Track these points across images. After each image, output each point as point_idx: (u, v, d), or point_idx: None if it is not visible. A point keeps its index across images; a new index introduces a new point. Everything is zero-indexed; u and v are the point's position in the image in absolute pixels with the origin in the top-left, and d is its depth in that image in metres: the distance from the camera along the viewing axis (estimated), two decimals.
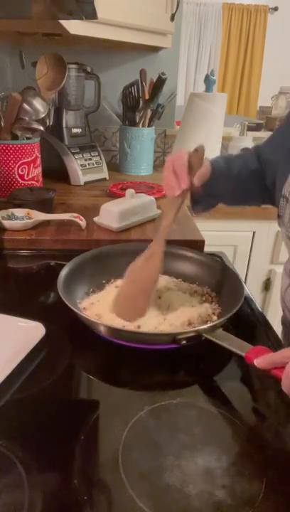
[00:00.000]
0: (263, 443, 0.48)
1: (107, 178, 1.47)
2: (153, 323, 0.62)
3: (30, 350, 0.57)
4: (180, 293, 0.71)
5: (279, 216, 0.73)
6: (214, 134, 1.58)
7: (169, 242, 0.71)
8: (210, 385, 0.56)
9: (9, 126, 1.14)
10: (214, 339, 0.55)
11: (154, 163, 1.67)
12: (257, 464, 0.44)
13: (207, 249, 0.94)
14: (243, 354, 0.51)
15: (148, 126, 1.53)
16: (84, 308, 0.67)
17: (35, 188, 1.15)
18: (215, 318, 0.65)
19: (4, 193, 1.17)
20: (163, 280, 0.74)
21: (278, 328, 0.74)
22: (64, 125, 1.40)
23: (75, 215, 0.98)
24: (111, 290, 0.71)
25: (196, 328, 0.57)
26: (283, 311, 0.81)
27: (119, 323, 0.62)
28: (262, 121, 2.00)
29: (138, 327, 0.61)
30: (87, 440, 0.46)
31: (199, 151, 0.67)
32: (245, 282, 1.19)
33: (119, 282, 0.73)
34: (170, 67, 1.62)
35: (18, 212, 0.99)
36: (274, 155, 0.74)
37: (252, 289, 1.38)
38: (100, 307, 0.66)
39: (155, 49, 1.58)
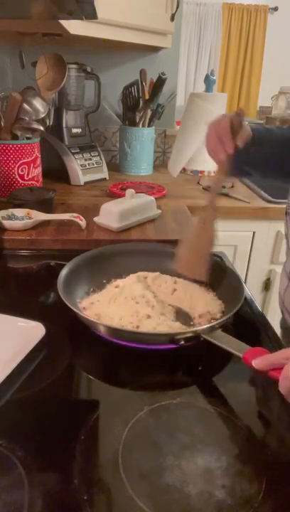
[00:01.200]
0: (263, 443, 0.48)
1: (107, 178, 1.47)
2: (154, 322, 0.62)
3: (30, 350, 0.57)
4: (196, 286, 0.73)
5: (288, 213, 0.72)
6: None
7: (169, 242, 0.71)
8: (210, 385, 0.56)
9: (9, 126, 1.14)
10: (212, 340, 0.55)
11: (154, 163, 1.67)
12: (257, 464, 0.44)
13: None
14: (240, 355, 0.50)
15: (148, 126, 1.53)
16: (84, 308, 0.67)
17: (35, 188, 1.15)
18: (219, 315, 0.65)
19: (4, 193, 1.17)
20: (167, 280, 0.74)
21: (278, 329, 0.74)
22: (64, 125, 1.40)
23: (75, 215, 0.98)
24: (112, 289, 0.71)
25: (195, 329, 0.57)
26: (282, 313, 0.81)
27: (118, 323, 0.62)
28: (262, 121, 2.00)
29: (137, 327, 0.61)
30: (87, 440, 0.46)
31: (240, 114, 0.68)
32: (245, 282, 1.19)
33: (118, 282, 0.73)
34: (170, 67, 1.62)
35: (18, 212, 0.99)
36: None
37: (252, 289, 1.38)
38: (100, 307, 0.66)
39: (155, 49, 1.58)
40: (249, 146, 0.70)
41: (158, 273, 0.75)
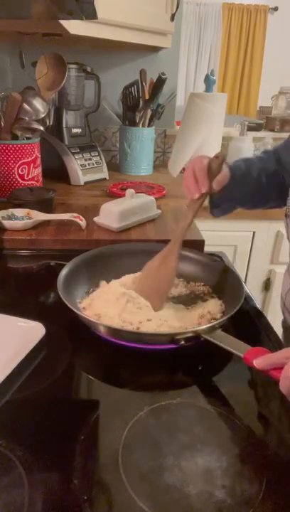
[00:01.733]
0: (263, 443, 0.48)
1: (107, 178, 1.47)
2: (155, 324, 0.62)
3: (30, 350, 0.57)
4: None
5: (287, 216, 0.73)
6: (214, 134, 1.58)
7: (169, 242, 0.71)
8: (210, 385, 0.56)
9: (9, 126, 1.14)
10: (212, 340, 0.55)
11: (154, 163, 1.67)
12: (257, 464, 0.44)
13: (207, 249, 0.94)
14: (241, 355, 0.51)
15: (148, 126, 1.53)
16: (83, 308, 0.67)
17: (35, 188, 1.15)
18: (219, 315, 0.65)
19: (4, 193, 1.17)
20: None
21: (278, 329, 0.74)
22: (64, 125, 1.40)
23: (75, 215, 0.98)
24: (111, 288, 0.71)
25: (195, 329, 0.57)
26: (284, 314, 0.81)
27: (118, 323, 0.62)
28: (262, 121, 1.99)
29: (138, 328, 0.61)
30: (87, 440, 0.46)
31: (219, 158, 0.70)
32: (245, 282, 1.19)
33: (118, 281, 0.73)
34: (170, 67, 1.62)
35: (18, 212, 0.99)
36: (287, 157, 0.75)
37: (252, 289, 1.38)
38: (98, 306, 0.66)
39: (155, 49, 1.58)
40: (228, 184, 0.72)
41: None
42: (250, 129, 1.77)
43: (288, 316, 0.78)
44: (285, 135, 1.06)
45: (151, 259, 0.70)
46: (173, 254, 0.68)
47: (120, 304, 0.65)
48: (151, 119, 1.52)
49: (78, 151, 1.41)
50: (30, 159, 1.17)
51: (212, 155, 0.71)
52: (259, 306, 0.75)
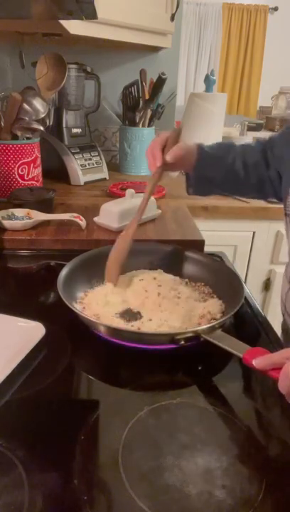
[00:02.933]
0: (263, 443, 0.48)
1: (107, 178, 1.47)
2: (155, 324, 0.62)
3: (30, 350, 0.57)
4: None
5: (287, 215, 0.72)
6: (214, 134, 1.58)
7: (169, 242, 0.71)
8: (210, 385, 0.56)
9: (9, 126, 1.14)
10: (212, 340, 0.55)
11: None
12: (257, 464, 0.44)
13: (207, 249, 0.94)
14: (241, 355, 0.50)
15: (148, 126, 1.53)
16: (84, 308, 0.67)
17: (35, 188, 1.15)
18: (219, 315, 0.65)
19: (4, 193, 1.17)
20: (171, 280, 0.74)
21: (278, 329, 0.74)
22: (64, 125, 1.40)
23: (75, 215, 0.98)
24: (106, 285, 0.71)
25: (195, 329, 0.57)
26: (284, 316, 0.81)
27: (118, 323, 0.62)
28: (262, 121, 2.00)
29: (138, 328, 0.61)
30: (87, 440, 0.46)
31: (175, 131, 0.76)
32: (245, 282, 1.19)
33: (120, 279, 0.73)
34: (170, 67, 1.62)
35: (18, 212, 0.99)
36: (284, 150, 0.74)
37: (252, 289, 1.38)
38: (95, 305, 0.66)
39: (155, 49, 1.58)
40: (196, 162, 0.77)
41: (159, 271, 0.75)
42: (250, 129, 1.78)
43: (288, 318, 0.78)
44: None
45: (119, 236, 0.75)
46: (130, 227, 0.74)
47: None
48: (151, 119, 1.52)
49: (78, 151, 1.41)
50: (30, 159, 1.17)
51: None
52: (259, 306, 0.75)
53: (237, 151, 0.80)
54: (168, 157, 0.74)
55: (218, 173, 0.79)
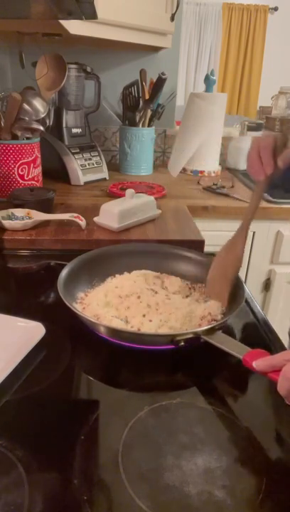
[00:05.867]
0: (263, 443, 0.48)
1: (107, 178, 1.47)
2: (155, 325, 0.62)
3: (30, 350, 0.57)
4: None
5: None
6: (214, 134, 1.58)
7: (169, 242, 0.71)
8: (210, 385, 0.56)
9: (9, 126, 1.14)
10: (212, 341, 0.55)
11: (154, 163, 1.67)
12: (257, 464, 0.44)
13: (207, 249, 0.94)
14: (240, 357, 0.50)
15: (148, 126, 1.53)
16: (84, 308, 0.66)
17: (35, 188, 1.15)
18: (220, 317, 0.65)
19: (4, 193, 1.17)
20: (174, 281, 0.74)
21: (278, 329, 0.73)
22: (64, 125, 1.40)
23: (75, 215, 0.98)
24: (106, 285, 0.71)
25: (195, 330, 0.57)
26: None
27: (117, 323, 0.62)
28: (262, 121, 1.99)
29: (138, 329, 0.61)
30: (87, 440, 0.46)
31: (284, 134, 0.67)
32: (245, 282, 1.19)
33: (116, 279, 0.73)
34: (170, 67, 1.62)
35: (18, 212, 0.99)
36: None
37: (252, 289, 1.38)
38: (96, 305, 0.66)
39: (155, 49, 1.58)
40: None
41: (158, 273, 0.75)
42: (250, 129, 1.78)
43: None
44: None
45: (221, 248, 0.70)
46: (239, 241, 0.68)
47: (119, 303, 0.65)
48: (151, 119, 1.52)
49: (78, 151, 1.41)
50: (30, 159, 1.17)
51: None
52: (259, 306, 0.75)
53: None
54: (282, 164, 0.64)
55: None
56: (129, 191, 1.02)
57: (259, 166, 0.66)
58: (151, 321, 0.63)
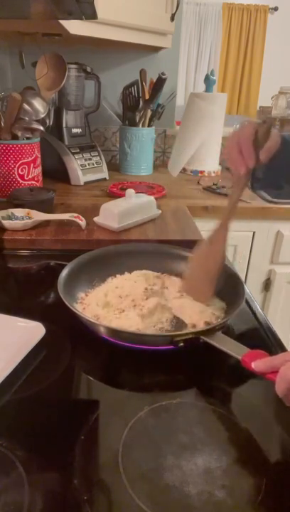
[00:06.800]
0: (263, 443, 0.48)
1: (107, 178, 1.47)
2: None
3: (30, 350, 0.57)
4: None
5: None
6: (214, 134, 1.58)
7: (169, 242, 0.70)
8: (210, 385, 0.56)
9: (9, 126, 1.14)
10: (211, 342, 0.55)
11: (154, 163, 1.67)
12: (257, 464, 0.44)
13: None
14: (239, 357, 0.50)
15: (148, 126, 1.53)
16: (84, 308, 0.66)
17: (35, 188, 1.15)
18: (221, 316, 0.64)
19: (4, 193, 1.17)
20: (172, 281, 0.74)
21: (278, 329, 0.73)
22: (64, 125, 1.40)
23: (75, 215, 0.98)
24: (106, 285, 0.71)
25: (194, 331, 0.57)
26: None
27: (117, 323, 0.62)
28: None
29: (138, 329, 0.61)
30: (87, 440, 0.46)
31: (266, 123, 0.61)
32: (245, 282, 1.19)
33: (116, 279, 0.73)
34: (170, 67, 1.62)
35: (18, 212, 0.99)
36: None
37: (252, 289, 1.38)
38: (96, 305, 0.66)
39: (155, 49, 1.58)
40: (276, 156, 0.63)
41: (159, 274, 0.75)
42: None
43: None
44: None
45: (197, 247, 0.66)
46: (220, 239, 0.64)
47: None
48: (151, 119, 1.52)
49: (78, 151, 1.41)
50: (30, 159, 1.17)
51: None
52: (259, 306, 0.75)
53: None
54: (265, 156, 0.61)
55: None
56: (129, 191, 1.02)
57: (240, 159, 0.61)
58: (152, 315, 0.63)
